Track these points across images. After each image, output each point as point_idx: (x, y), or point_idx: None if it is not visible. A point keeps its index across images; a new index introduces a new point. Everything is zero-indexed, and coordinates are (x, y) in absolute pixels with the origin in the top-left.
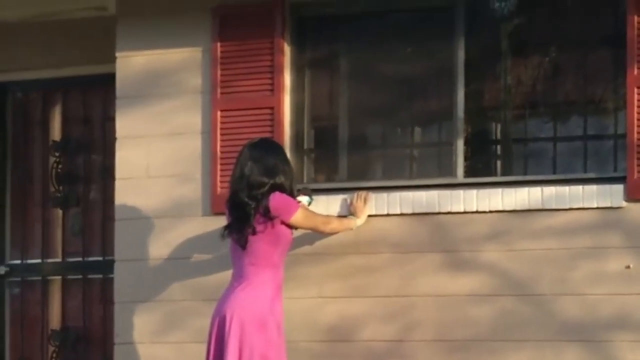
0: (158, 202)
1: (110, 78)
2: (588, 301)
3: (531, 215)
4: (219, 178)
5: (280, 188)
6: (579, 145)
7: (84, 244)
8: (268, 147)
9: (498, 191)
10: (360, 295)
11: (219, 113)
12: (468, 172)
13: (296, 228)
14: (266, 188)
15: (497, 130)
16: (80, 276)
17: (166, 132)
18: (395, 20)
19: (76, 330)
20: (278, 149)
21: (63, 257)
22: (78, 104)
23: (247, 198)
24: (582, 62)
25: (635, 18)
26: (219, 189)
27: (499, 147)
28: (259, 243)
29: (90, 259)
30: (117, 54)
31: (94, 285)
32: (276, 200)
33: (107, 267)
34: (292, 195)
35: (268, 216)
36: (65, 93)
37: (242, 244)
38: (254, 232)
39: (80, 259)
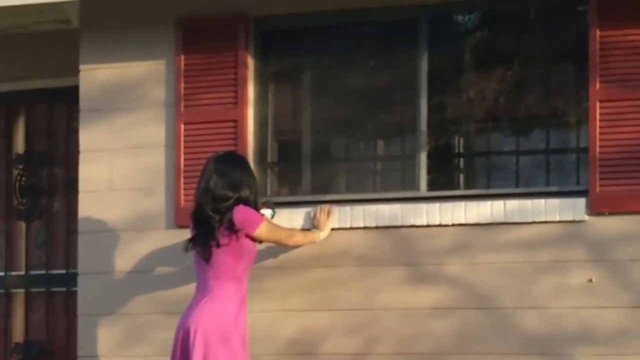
0: (122, 215)
1: (74, 91)
2: (550, 314)
3: (494, 229)
4: (182, 191)
5: (245, 201)
6: (542, 159)
7: (48, 257)
8: (233, 161)
9: (461, 204)
10: (324, 309)
11: (182, 126)
12: (431, 186)
13: (260, 241)
14: (231, 202)
15: (460, 143)
16: (43, 289)
17: (130, 145)
18: (359, 33)
19: (39, 344)
20: (243, 162)
21: (26, 270)
22: (41, 117)
23: (211, 211)
24: (544, 76)
25: (598, 32)
26: (182, 202)
27: (462, 160)
28: (223, 256)
29: (54, 271)
30: (81, 67)
31: (58, 298)
32: (240, 213)
33: (70, 280)
34: (257, 208)
35: (232, 229)
36: (29, 106)
37: (206, 257)
38: (218, 245)
39: (43, 271)
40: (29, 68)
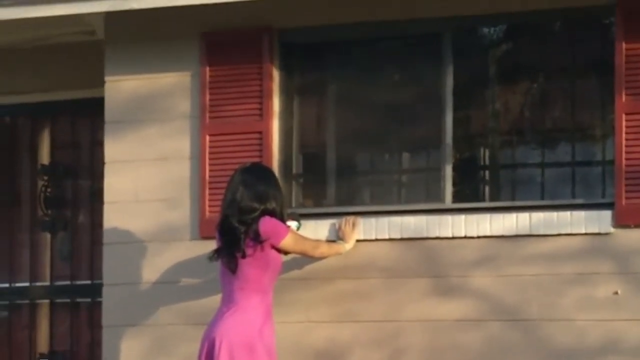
0: (146, 227)
1: (99, 102)
2: (576, 327)
3: (519, 241)
4: (207, 202)
5: (271, 213)
6: (567, 171)
7: (72, 268)
8: (260, 172)
9: (486, 217)
10: (349, 320)
11: (207, 138)
12: (456, 198)
13: (286, 253)
14: (257, 213)
15: (485, 156)
16: (68, 300)
17: (154, 156)
18: (383, 46)
19: (64, 354)
20: (269, 174)
21: (51, 281)
22: (66, 128)
23: (237, 223)
24: (570, 89)
25: (624, 45)
26: (207, 214)
27: (487, 172)
28: (249, 267)
29: (79, 282)
30: (106, 79)
31: (82, 309)
32: (266, 224)
33: (95, 291)
34: (283, 220)
35: (258, 240)
36: (54, 117)
37: (232, 268)
38: (244, 256)
39: (68, 282)
40: (55, 80)
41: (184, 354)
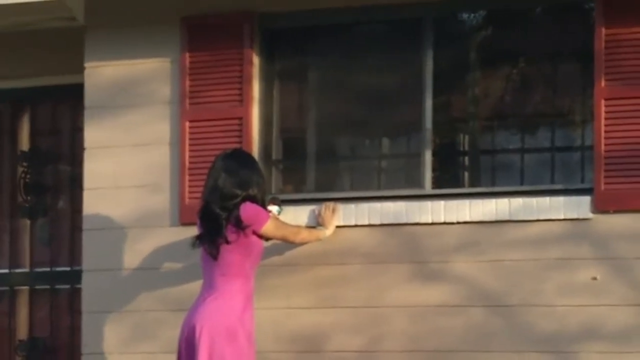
0: (126, 213)
1: (79, 88)
2: (556, 312)
3: (499, 227)
4: (187, 188)
5: (253, 199)
6: (547, 157)
7: (52, 254)
8: (241, 159)
9: (466, 202)
10: (329, 306)
11: (187, 123)
12: (436, 184)
13: (267, 239)
14: (238, 200)
15: (465, 141)
16: (48, 286)
17: (135, 142)
18: (364, 32)
19: (44, 341)
20: (251, 160)
21: (31, 267)
22: (47, 114)
23: (219, 209)
24: (550, 74)
25: (603, 30)
26: (187, 200)
27: (466, 158)
28: (231, 253)
29: (58, 269)
30: (86, 65)
31: (62, 295)
32: (247, 210)
33: (75, 277)
34: (264, 206)
35: (240, 226)
36: (34, 103)
37: (213, 254)
38: (227, 242)
39: (48, 269)
40: (34, 66)
41: (165, 339)
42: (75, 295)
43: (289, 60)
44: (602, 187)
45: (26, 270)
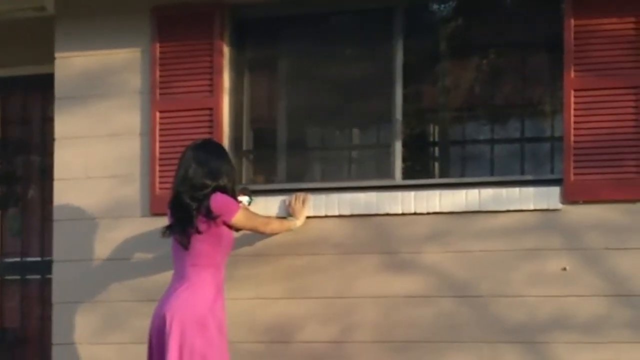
0: (97, 203)
1: (49, 79)
2: (526, 302)
3: (469, 217)
4: (157, 179)
5: (223, 190)
6: (517, 148)
7: (23, 245)
8: (212, 149)
9: (436, 193)
10: (300, 297)
11: (158, 114)
12: (406, 174)
13: (237, 230)
14: (209, 190)
15: (435, 132)
16: (18, 277)
17: (105, 132)
18: (334, 22)
19: (14, 331)
20: (222, 151)
21: (1, 258)
22: (17, 105)
23: (189, 199)
24: (520, 65)
25: (573, 21)
26: (157, 190)
27: (437, 149)
28: (201, 244)
29: (29, 259)
30: (56, 55)
31: (33, 285)
32: (217, 200)
33: (45, 267)
34: (234, 196)
35: (210, 216)
36: (4, 93)
37: (184, 244)
38: (198, 232)
39: (18, 259)
40: (4, 56)
41: (135, 329)
42: (45, 286)
43: (260, 51)
44: (572, 177)
45: None
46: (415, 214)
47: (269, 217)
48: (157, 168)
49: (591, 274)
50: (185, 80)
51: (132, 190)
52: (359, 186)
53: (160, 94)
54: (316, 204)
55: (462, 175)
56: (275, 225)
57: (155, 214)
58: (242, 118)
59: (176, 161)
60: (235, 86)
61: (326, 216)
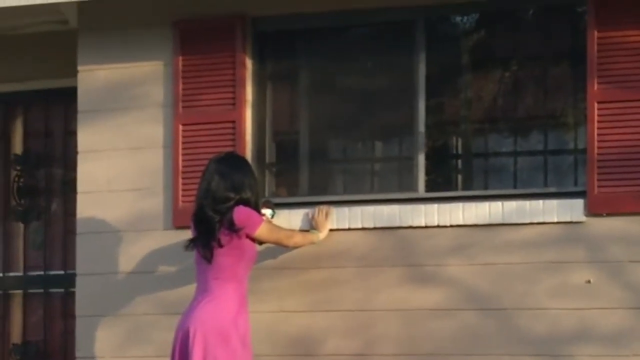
0: (120, 216)
1: (72, 92)
2: (549, 315)
3: (492, 230)
4: (180, 192)
5: (246, 203)
6: (540, 160)
7: (46, 258)
8: (235, 162)
9: (459, 205)
10: (323, 310)
11: (180, 127)
12: (429, 187)
13: (261, 243)
14: (232, 203)
15: (458, 144)
16: (41, 290)
17: (128, 145)
18: (356, 34)
19: (37, 345)
20: (244, 163)
21: (24, 271)
22: (40, 118)
23: (212, 212)
24: (542, 77)
25: (596, 33)
26: (180, 203)
27: (459, 161)
28: (224, 257)
29: (52, 272)
30: (79, 68)
31: (56, 299)
32: (240, 213)
33: (68, 281)
34: (257, 210)
35: (233, 229)
36: (27, 107)
37: (207, 257)
38: (220, 245)
39: (41, 272)
40: (27, 69)
41: (158, 343)
42: (68, 299)
43: (282, 64)
44: (595, 190)
45: (20, 274)
46: (438, 226)
47: (292, 230)
48: (180, 181)
49: (615, 286)
50: (207, 93)
51: (155, 203)
52: (382, 199)
53: (183, 106)
54: (339, 217)
55: (485, 188)
56: (298, 238)
57: (178, 227)
58: (264, 131)
59: (199, 174)
60: (257, 99)
61: (349, 229)
